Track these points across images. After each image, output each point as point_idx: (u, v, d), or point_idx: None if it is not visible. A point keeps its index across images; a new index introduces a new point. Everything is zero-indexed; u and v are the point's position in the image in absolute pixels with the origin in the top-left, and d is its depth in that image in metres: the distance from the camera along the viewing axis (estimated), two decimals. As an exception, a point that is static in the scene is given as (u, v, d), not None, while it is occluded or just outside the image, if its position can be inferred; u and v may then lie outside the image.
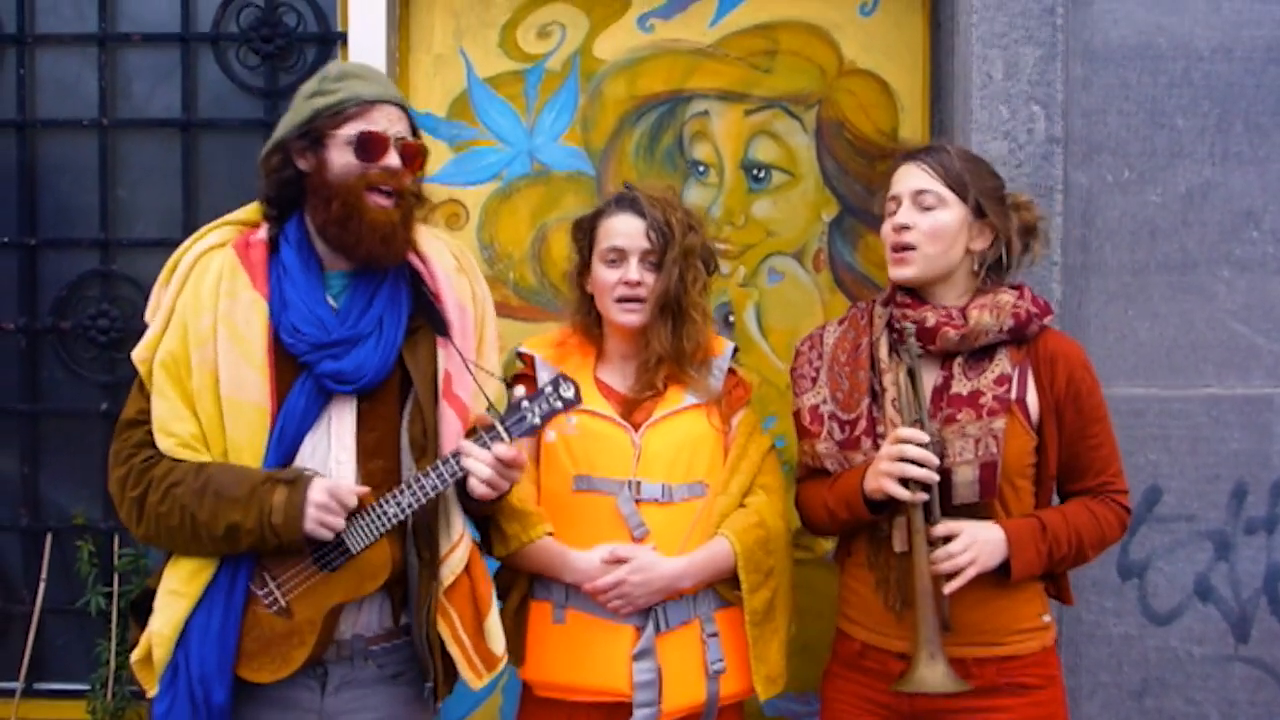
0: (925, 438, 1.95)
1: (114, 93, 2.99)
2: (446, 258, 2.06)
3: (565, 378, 1.90)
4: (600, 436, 2.12)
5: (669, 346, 2.13)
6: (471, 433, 1.92)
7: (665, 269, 2.13)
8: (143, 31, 2.97)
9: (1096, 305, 2.72)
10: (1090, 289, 2.72)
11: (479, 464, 1.85)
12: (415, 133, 2.02)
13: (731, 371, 2.24)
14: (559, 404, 1.89)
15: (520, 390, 1.90)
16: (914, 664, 1.93)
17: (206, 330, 1.90)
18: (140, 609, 1.97)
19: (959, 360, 2.04)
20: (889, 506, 1.99)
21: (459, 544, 1.96)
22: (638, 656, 2.04)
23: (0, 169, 2.99)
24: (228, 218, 2.05)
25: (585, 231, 2.23)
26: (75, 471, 3.00)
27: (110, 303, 2.98)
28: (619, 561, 2.05)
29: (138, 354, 1.95)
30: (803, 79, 2.92)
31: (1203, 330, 2.72)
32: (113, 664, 2.88)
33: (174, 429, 1.89)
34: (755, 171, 2.95)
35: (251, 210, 2.04)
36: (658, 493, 2.09)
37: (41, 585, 2.96)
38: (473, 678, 1.98)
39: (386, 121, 1.94)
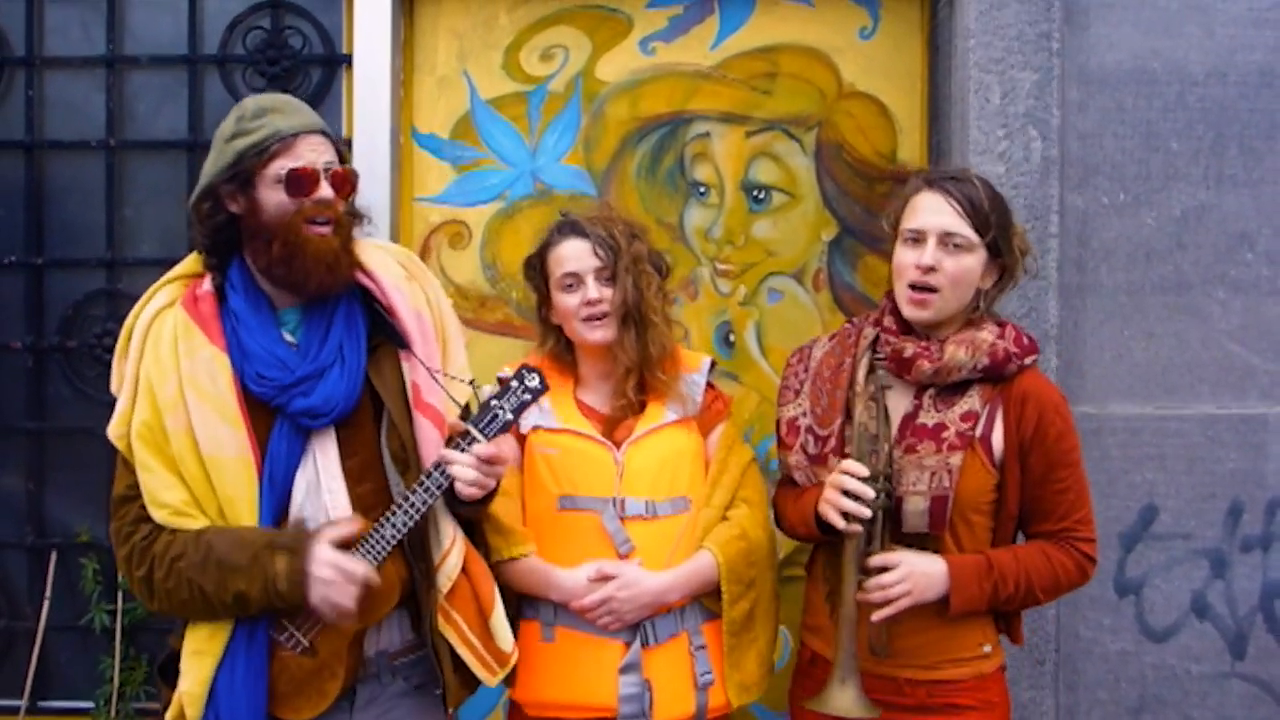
0: (864, 471, 1.95)
1: (121, 114, 3.01)
2: (393, 268, 2.05)
3: (529, 368, 1.92)
4: (583, 455, 2.14)
5: (636, 355, 2.16)
6: (449, 441, 1.93)
7: (619, 280, 2.15)
8: (149, 53, 3.01)
9: (1092, 325, 2.75)
10: (1086, 309, 2.75)
11: (463, 468, 1.86)
12: (342, 156, 2.00)
13: (710, 386, 2.27)
14: (527, 395, 1.90)
15: (487, 389, 1.91)
16: (827, 684, 1.96)
17: (174, 395, 1.88)
18: (167, 670, 1.97)
19: (930, 392, 2.04)
20: (837, 530, 2.01)
21: (451, 549, 1.97)
22: (624, 670, 2.07)
23: (8, 189, 3.02)
24: (169, 275, 2.03)
25: (536, 267, 2.26)
26: (80, 489, 3.02)
27: (116, 322, 2.98)
28: (606, 578, 2.07)
29: (113, 431, 1.93)
30: (803, 101, 2.96)
31: (1198, 350, 2.75)
32: (116, 681, 2.90)
33: (164, 499, 1.88)
34: (755, 192, 2.98)
35: (191, 262, 2.02)
36: (641, 509, 2.12)
37: (46, 602, 2.97)
38: (487, 676, 2.00)
39: (312, 153, 1.92)
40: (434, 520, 1.96)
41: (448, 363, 2.04)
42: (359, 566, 1.84)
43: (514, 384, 1.90)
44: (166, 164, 3.01)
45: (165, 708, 1.96)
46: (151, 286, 2.02)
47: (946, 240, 2.01)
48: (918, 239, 2.04)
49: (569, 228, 2.22)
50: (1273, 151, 2.74)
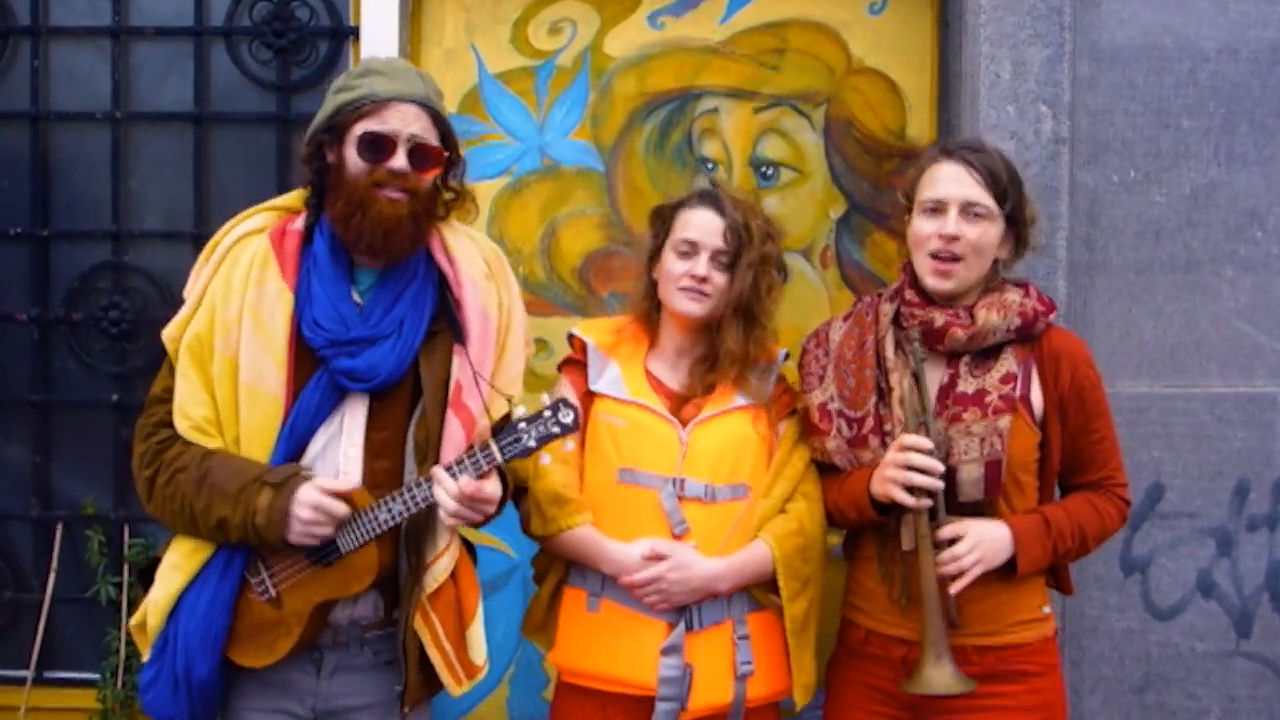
0: (929, 445, 1.96)
1: (126, 85, 3.00)
2: (477, 263, 2.06)
3: (567, 402, 1.90)
4: (648, 430, 2.12)
5: (741, 348, 2.14)
6: (470, 448, 1.93)
7: (740, 272, 2.13)
8: (155, 25, 2.99)
9: (1101, 304, 2.74)
10: (1095, 287, 2.74)
11: (445, 496, 1.87)
12: (443, 132, 2.00)
13: (780, 378, 2.25)
14: (556, 429, 1.89)
15: (520, 410, 1.91)
16: (921, 664, 1.96)
17: (233, 318, 1.92)
18: (146, 577, 2.02)
19: (965, 359, 2.05)
20: (896, 508, 2.01)
21: (444, 553, 1.97)
22: (665, 652, 2.05)
23: (13, 161, 3.01)
24: (271, 202, 2.07)
25: (663, 219, 2.24)
26: (86, 462, 3.02)
27: (122, 294, 3.00)
28: (659, 558, 2.05)
29: (168, 332, 1.98)
30: (811, 77, 2.94)
31: (1207, 329, 2.74)
32: (123, 653, 2.90)
33: (191, 412, 1.93)
34: (763, 169, 2.97)
35: (295, 197, 2.06)
36: (701, 491, 2.10)
37: (52, 575, 2.97)
38: (452, 684, 2.00)
39: (399, 121, 1.93)
40: (434, 520, 1.96)
41: (500, 371, 2.04)
42: (341, 506, 1.86)
43: (547, 413, 1.89)
44: (172, 136, 3.00)
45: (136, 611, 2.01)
46: (250, 208, 2.05)
47: (968, 210, 2.02)
48: (938, 209, 2.04)
49: (710, 199, 2.20)
50: (1284, 129, 2.73)
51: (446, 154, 2.01)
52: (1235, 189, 2.74)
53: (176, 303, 2.83)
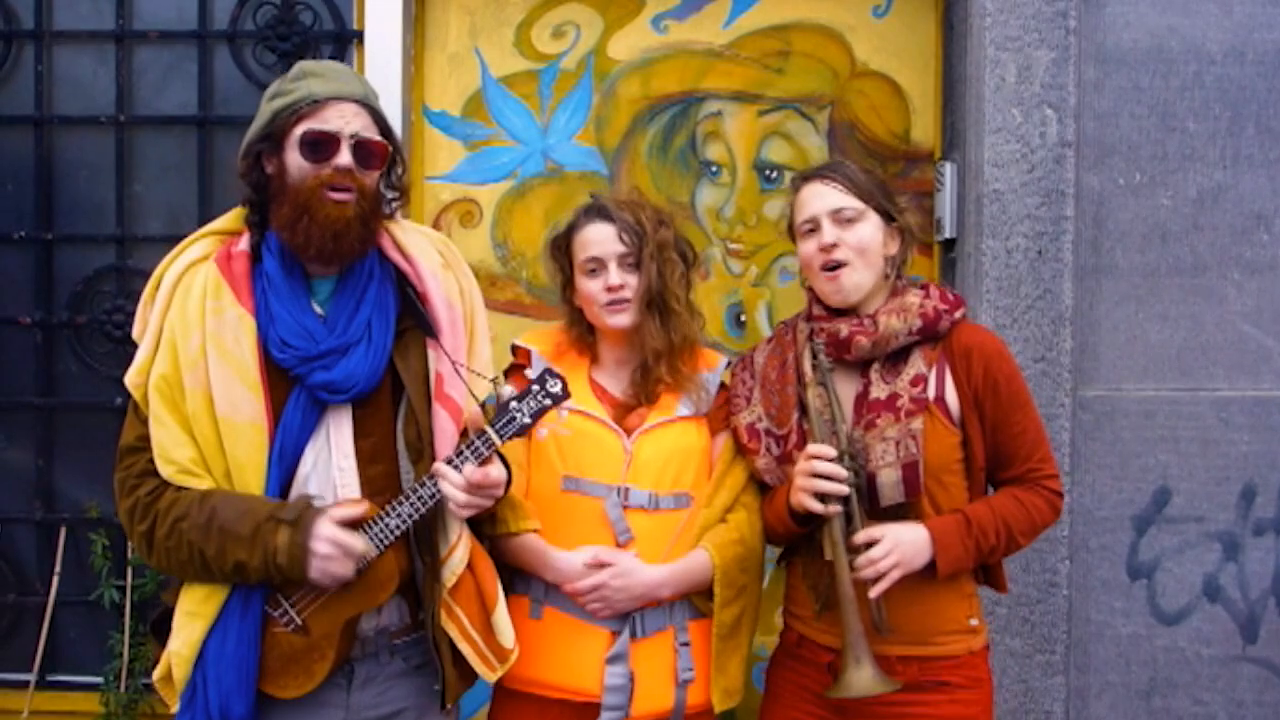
0: (832, 452, 1.98)
1: (130, 89, 3.00)
2: (431, 255, 2.03)
3: (552, 372, 1.90)
4: (592, 439, 2.12)
5: (659, 342, 2.14)
6: (464, 435, 1.91)
7: (643, 266, 2.14)
8: (159, 29, 2.99)
9: (1107, 307, 2.73)
10: (1101, 291, 2.73)
11: (453, 489, 1.85)
12: (383, 129, 1.97)
13: (723, 386, 2.24)
14: (547, 400, 1.89)
15: (509, 390, 1.89)
16: (842, 669, 1.96)
17: (196, 352, 1.87)
18: (159, 627, 1.97)
19: (876, 366, 2.07)
20: (815, 519, 2.02)
21: (457, 544, 1.95)
22: (611, 660, 2.06)
23: (18, 164, 3.01)
24: (208, 228, 2.01)
25: (561, 249, 2.25)
26: (89, 465, 3.02)
27: (125, 298, 3.00)
28: (601, 565, 2.06)
29: (130, 379, 1.91)
30: (815, 80, 2.94)
31: (1213, 332, 2.73)
32: (126, 656, 2.90)
33: (174, 455, 1.87)
34: (768, 172, 2.96)
35: (233, 218, 2.01)
36: (645, 500, 2.10)
37: (55, 578, 2.97)
38: (486, 671, 2.00)
39: (340, 119, 1.89)
40: (442, 516, 1.95)
41: (473, 357, 2.03)
42: (358, 542, 1.84)
43: (534, 388, 1.89)
44: (176, 140, 3.00)
45: (155, 664, 1.96)
46: (188, 237, 1.99)
47: (837, 216, 2.07)
48: (812, 228, 2.10)
49: (595, 211, 2.20)
50: (1291, 132, 2.72)
51: (390, 149, 1.97)
52: (1242, 192, 2.73)
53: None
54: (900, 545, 1.96)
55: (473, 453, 1.86)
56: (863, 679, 1.94)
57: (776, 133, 2.95)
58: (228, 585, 1.88)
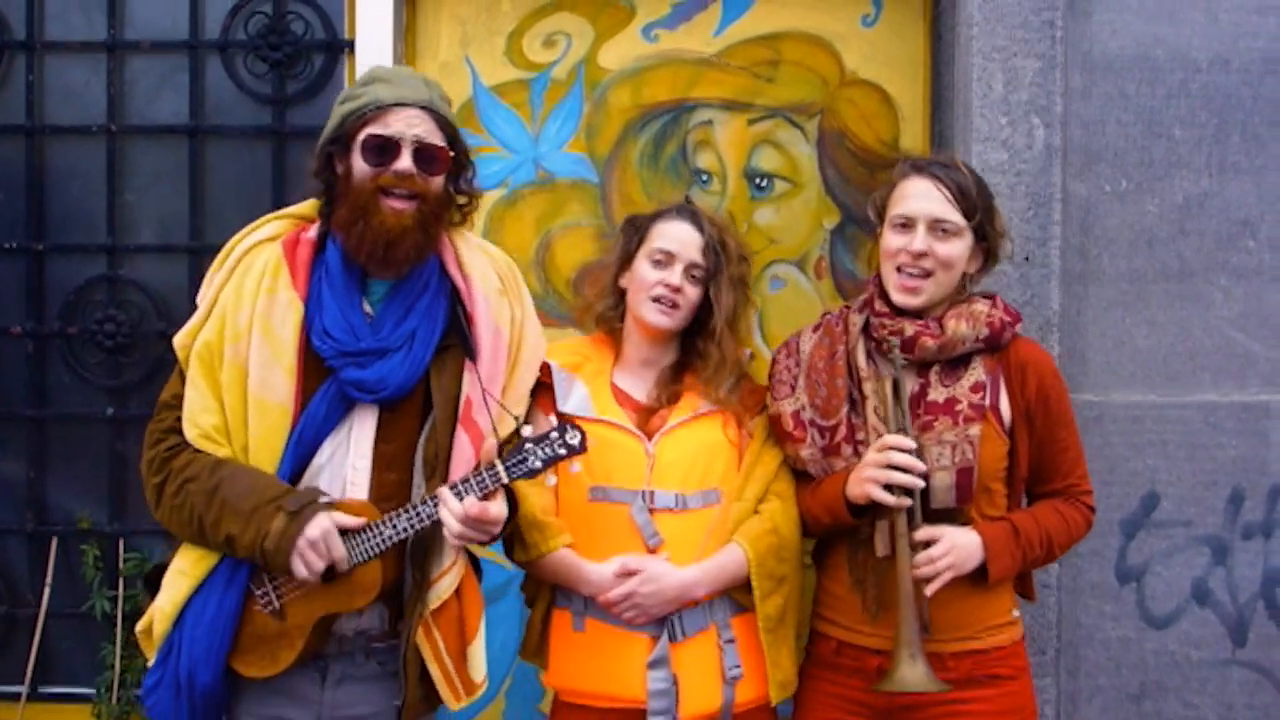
0: (912, 445, 1.99)
1: (122, 99, 3.01)
2: (490, 277, 2.06)
3: (574, 425, 1.90)
4: (615, 446, 2.13)
5: (733, 358, 2.18)
6: (477, 467, 1.93)
7: (724, 286, 2.17)
8: (151, 38, 3.00)
9: (1095, 313, 2.75)
10: (1089, 297, 2.75)
11: (450, 517, 1.86)
12: (450, 135, 2.00)
13: (746, 377, 2.26)
14: (562, 450, 1.89)
15: (529, 430, 1.90)
16: (895, 664, 1.97)
17: (243, 326, 1.92)
18: (153, 582, 2.02)
19: (935, 369, 2.08)
20: (871, 511, 2.04)
21: (449, 571, 1.97)
22: (652, 665, 2.06)
23: (8, 174, 3.01)
24: (286, 210, 2.07)
25: (637, 229, 2.25)
26: (81, 476, 3.02)
27: (117, 308, 3.00)
28: (630, 573, 2.06)
29: (179, 339, 1.98)
30: (805, 89, 2.95)
31: (1200, 338, 2.75)
32: (117, 668, 2.89)
33: (200, 420, 1.92)
34: (758, 180, 2.98)
35: (309, 206, 2.06)
36: (671, 502, 2.11)
37: (46, 589, 2.96)
38: (450, 699, 2.01)
39: (403, 124, 1.94)
40: (439, 538, 1.96)
41: (512, 387, 2.05)
42: (341, 549, 1.86)
43: (554, 435, 1.89)
44: (167, 150, 3.00)
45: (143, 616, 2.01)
46: (265, 216, 2.06)
47: (936, 226, 2.06)
48: (907, 225, 2.08)
49: (689, 214, 2.22)
50: (1275, 139, 2.74)
51: (453, 155, 2.00)
52: (1228, 198, 2.75)
53: (171, 316, 2.86)
54: (957, 548, 1.99)
55: (478, 484, 1.87)
56: (917, 675, 1.95)
57: (766, 141, 2.97)
58: (219, 553, 1.92)
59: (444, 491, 1.87)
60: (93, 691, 2.93)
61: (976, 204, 2.08)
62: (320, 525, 1.85)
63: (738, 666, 2.10)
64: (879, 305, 2.12)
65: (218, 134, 2.99)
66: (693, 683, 2.08)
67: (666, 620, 2.08)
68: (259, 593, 1.93)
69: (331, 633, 1.97)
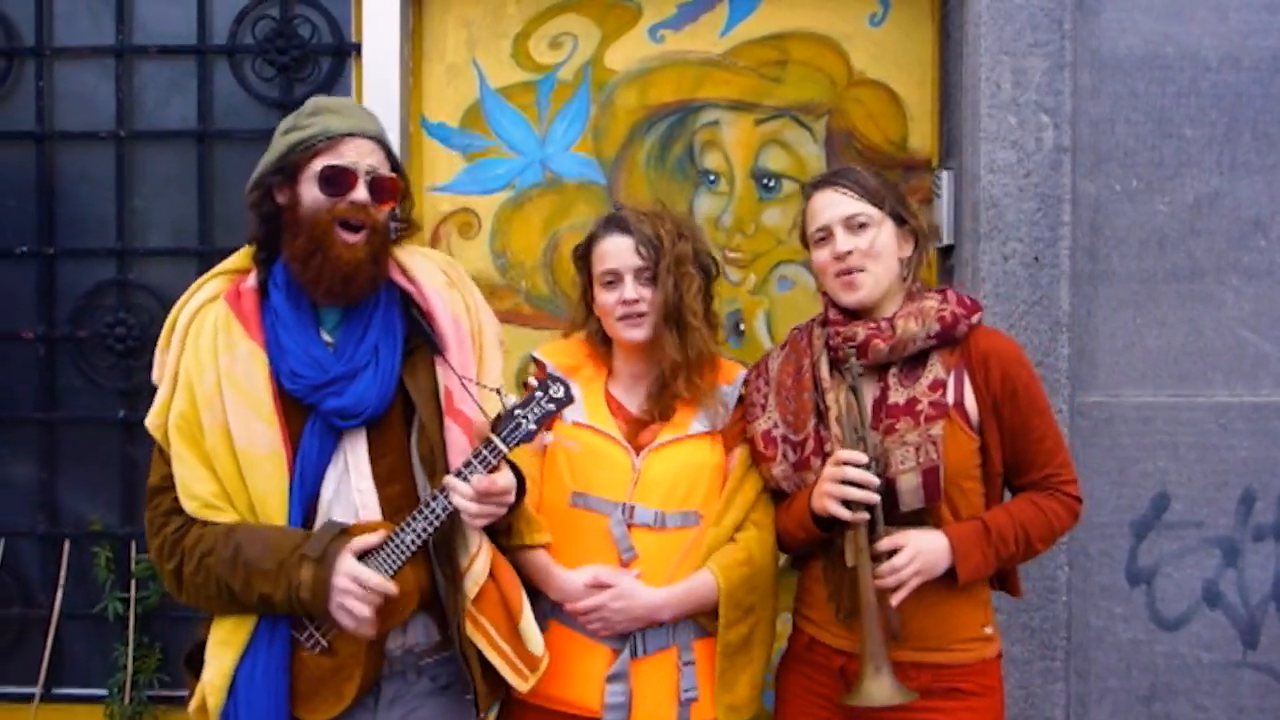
0: (863, 458, 1.97)
1: (130, 104, 3.02)
2: (435, 274, 2.06)
3: (555, 377, 1.91)
4: (602, 455, 2.12)
5: (676, 356, 2.13)
6: (475, 449, 1.92)
7: (660, 280, 2.13)
8: (159, 44, 3.01)
9: (1105, 313, 2.74)
10: (1099, 297, 2.73)
11: (463, 500, 1.86)
12: (395, 165, 2.01)
13: (741, 400, 2.22)
14: (551, 405, 1.89)
15: (512, 398, 1.90)
16: (861, 677, 1.96)
17: (211, 389, 1.90)
18: (193, 660, 2.00)
19: (893, 371, 2.06)
20: (838, 524, 2.01)
21: (478, 555, 1.97)
22: (611, 679, 2.06)
23: (19, 180, 3.03)
24: (217, 269, 2.05)
25: (583, 259, 2.25)
26: (92, 478, 3.04)
27: (127, 311, 3.01)
28: (602, 586, 2.06)
29: (151, 421, 1.96)
30: (813, 89, 2.94)
31: (1211, 338, 2.73)
32: (130, 669, 2.92)
33: (196, 491, 1.90)
34: (765, 180, 2.97)
35: (241, 257, 2.05)
36: (650, 519, 2.09)
37: (59, 591, 2.99)
38: (518, 681, 2.00)
39: (356, 154, 1.93)
40: (459, 528, 1.96)
41: (483, 371, 2.04)
42: (375, 578, 1.85)
43: (538, 393, 1.89)
44: (176, 154, 3.02)
45: (190, 697, 1.98)
46: (199, 279, 2.04)
47: (850, 223, 2.07)
48: (825, 235, 2.09)
49: (615, 224, 2.19)
50: (1287, 137, 2.73)
51: (402, 184, 2.01)
52: (1238, 198, 2.73)
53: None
54: (921, 553, 1.96)
55: (480, 462, 1.87)
56: (882, 689, 1.93)
57: (774, 141, 2.96)
58: (255, 615, 1.91)
59: (449, 479, 1.87)
60: (105, 692, 2.95)
61: (880, 191, 2.09)
62: (343, 573, 1.84)
63: (693, 689, 2.09)
64: (832, 314, 2.12)
65: (226, 138, 3.01)
66: (647, 700, 2.07)
67: (629, 636, 2.07)
68: (303, 637, 1.92)
69: (384, 654, 1.96)
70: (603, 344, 2.24)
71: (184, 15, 3.00)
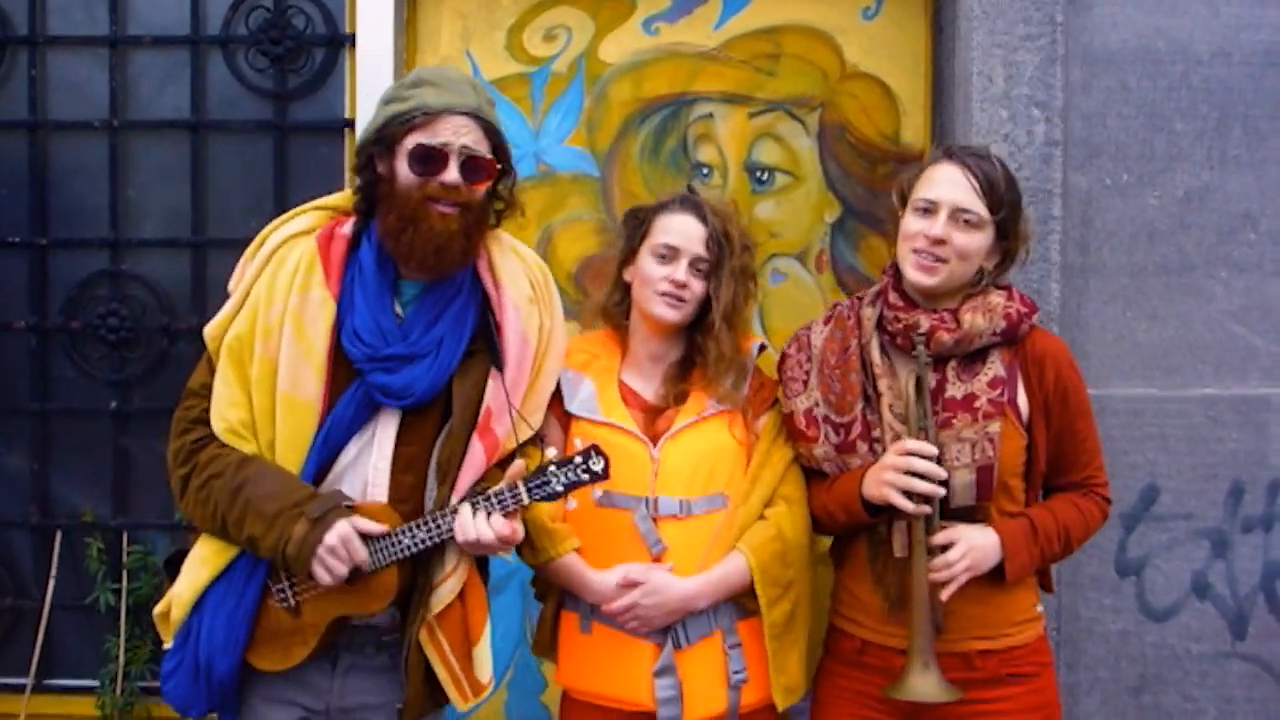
0: (933, 450, 1.96)
1: (124, 94, 3.01)
2: (522, 285, 2.04)
3: (598, 450, 1.90)
4: (620, 450, 2.08)
5: (733, 353, 2.14)
6: (487, 474, 1.95)
7: (725, 279, 2.13)
8: (152, 33, 3.01)
9: (1095, 306, 2.75)
10: (1089, 290, 2.75)
11: (464, 533, 1.87)
12: (494, 143, 1.99)
13: (757, 371, 2.23)
14: (585, 476, 1.89)
15: (552, 452, 1.90)
16: (907, 671, 1.96)
17: (275, 322, 1.92)
18: (172, 566, 2.03)
19: (952, 363, 2.04)
20: (888, 511, 2.01)
21: (452, 574, 1.98)
22: (659, 674, 2.06)
23: (11, 169, 3.02)
24: (321, 201, 2.05)
25: (640, 221, 2.21)
26: (85, 469, 3.03)
27: (120, 302, 3.01)
28: (633, 584, 2.05)
29: (209, 330, 1.98)
30: (806, 82, 2.95)
31: (1200, 331, 2.75)
32: (121, 660, 2.91)
33: (227, 414, 1.93)
34: (758, 173, 2.98)
35: (344, 198, 2.05)
36: (675, 508, 2.09)
37: (51, 582, 2.98)
38: (458, 699, 2.02)
39: (451, 133, 1.92)
40: (444, 544, 1.97)
41: (532, 395, 2.05)
42: (363, 553, 1.87)
43: (578, 459, 1.89)
44: (169, 144, 3.01)
45: (158, 603, 2.04)
46: (299, 207, 2.04)
47: (958, 214, 2.02)
48: (930, 209, 2.04)
49: (691, 204, 2.18)
50: (1276, 132, 2.74)
51: (499, 165, 1.99)
52: (1228, 192, 2.74)
53: (174, 310, 2.86)
54: (973, 549, 1.97)
55: (499, 503, 1.88)
56: (929, 684, 1.94)
57: (767, 134, 2.97)
58: (239, 549, 1.94)
59: (464, 508, 1.88)
60: (97, 683, 2.94)
61: (1004, 199, 2.04)
62: (340, 532, 1.85)
63: (742, 671, 2.09)
64: (893, 297, 2.08)
65: (219, 129, 3.00)
66: (697, 687, 2.07)
67: (670, 628, 2.07)
68: (276, 589, 1.94)
69: (342, 631, 1.98)
70: (623, 316, 2.23)
71: (177, 5, 2.99)
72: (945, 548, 1.97)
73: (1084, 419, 2.09)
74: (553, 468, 1.88)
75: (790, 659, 2.13)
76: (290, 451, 1.91)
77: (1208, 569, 2.75)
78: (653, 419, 2.16)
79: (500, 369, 1.98)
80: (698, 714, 2.07)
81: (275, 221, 2.02)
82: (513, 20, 2.97)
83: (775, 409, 2.23)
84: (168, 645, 2.01)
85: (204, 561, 1.95)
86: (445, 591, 1.97)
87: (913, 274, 2.05)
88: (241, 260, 2.01)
